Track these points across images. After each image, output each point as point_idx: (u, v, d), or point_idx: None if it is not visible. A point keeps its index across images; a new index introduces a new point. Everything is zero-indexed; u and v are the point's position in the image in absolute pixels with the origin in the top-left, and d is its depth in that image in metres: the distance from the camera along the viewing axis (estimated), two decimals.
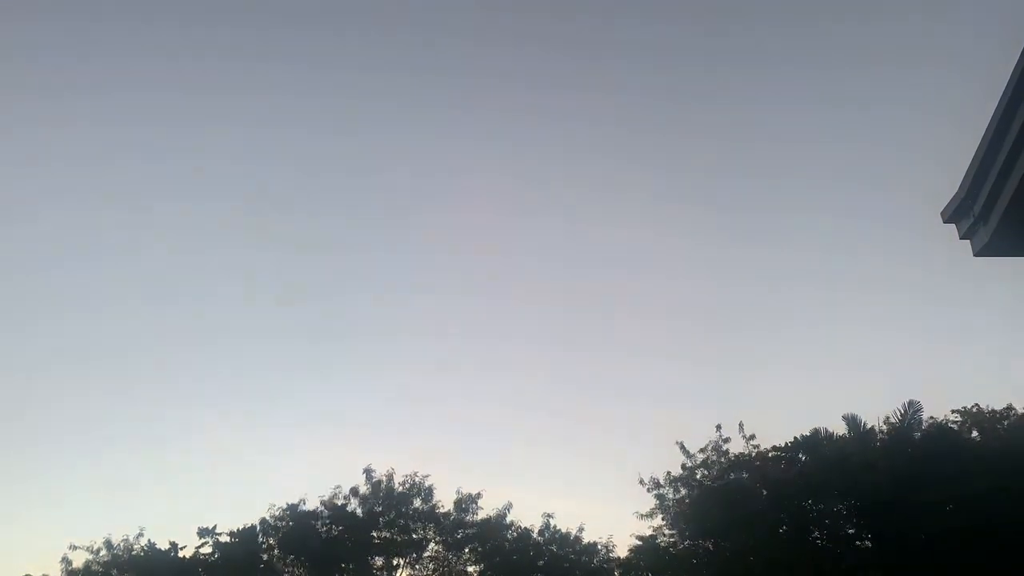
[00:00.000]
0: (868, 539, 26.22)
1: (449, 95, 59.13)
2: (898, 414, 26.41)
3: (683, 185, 61.11)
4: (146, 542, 30.97)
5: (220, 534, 31.15)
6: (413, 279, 59.38)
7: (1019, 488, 21.42)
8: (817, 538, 26.75)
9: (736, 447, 27.99)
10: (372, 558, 31.31)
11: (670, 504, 28.15)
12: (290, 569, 31.45)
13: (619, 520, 61.91)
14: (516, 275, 61.96)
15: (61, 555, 30.86)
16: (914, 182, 50.53)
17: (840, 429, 27.11)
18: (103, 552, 30.77)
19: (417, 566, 31.53)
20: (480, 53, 59.70)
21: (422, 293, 59.16)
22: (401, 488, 31.66)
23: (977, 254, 6.21)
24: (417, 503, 31.63)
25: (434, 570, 31.53)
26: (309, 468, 51.54)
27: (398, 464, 32.23)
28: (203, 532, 31.20)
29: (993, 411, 27.30)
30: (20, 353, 54.85)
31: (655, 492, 28.28)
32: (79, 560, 30.72)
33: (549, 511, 32.02)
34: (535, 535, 31.62)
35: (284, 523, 31.20)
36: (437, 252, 60.02)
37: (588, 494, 50.48)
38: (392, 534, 31.14)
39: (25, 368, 54.97)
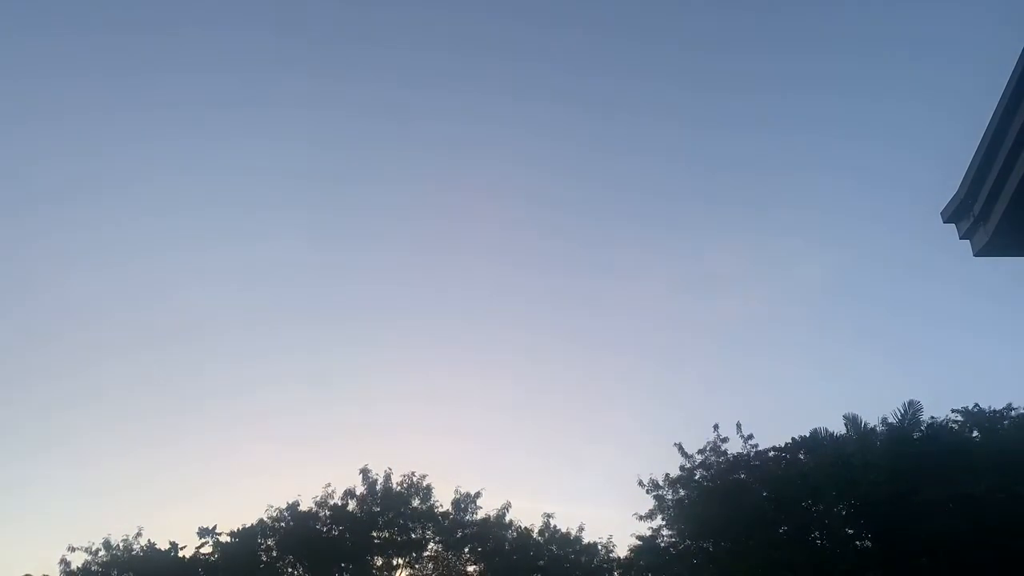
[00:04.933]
0: (868, 539, 26.19)
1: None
2: (898, 414, 26.39)
3: (681, 182, 61.14)
4: (146, 542, 30.81)
5: (220, 534, 31.06)
6: (412, 280, 59.44)
7: (1019, 488, 21.41)
8: (817, 538, 26.70)
9: (734, 447, 28.04)
10: (372, 558, 31.23)
11: (669, 504, 28.11)
12: (290, 569, 31.38)
13: (619, 520, 61.90)
14: (513, 276, 61.97)
15: (60, 556, 30.74)
16: (914, 182, 50.59)
17: (840, 429, 27.16)
18: (102, 553, 30.52)
19: (417, 566, 31.47)
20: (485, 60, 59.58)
21: (421, 294, 59.24)
22: (399, 488, 31.60)
23: (977, 254, 6.21)
24: (416, 503, 31.56)
25: (434, 570, 31.47)
26: (308, 469, 51.64)
27: (396, 465, 32.23)
28: (203, 532, 31.11)
29: (993, 411, 27.27)
30: (20, 353, 54.87)
31: (654, 493, 28.27)
32: (78, 561, 30.53)
33: (549, 511, 32.04)
34: (535, 535, 31.53)
35: (283, 523, 31.13)
36: (433, 253, 60.08)
37: (587, 495, 50.46)
38: (392, 534, 31.06)
39: (25, 368, 55.03)
